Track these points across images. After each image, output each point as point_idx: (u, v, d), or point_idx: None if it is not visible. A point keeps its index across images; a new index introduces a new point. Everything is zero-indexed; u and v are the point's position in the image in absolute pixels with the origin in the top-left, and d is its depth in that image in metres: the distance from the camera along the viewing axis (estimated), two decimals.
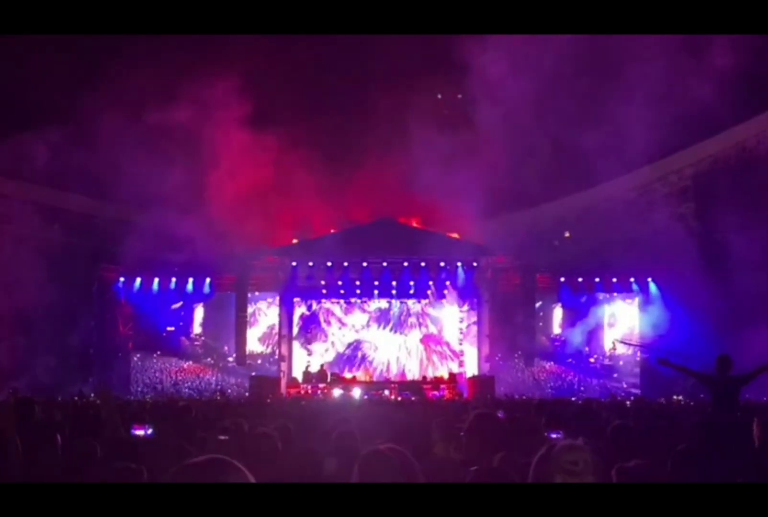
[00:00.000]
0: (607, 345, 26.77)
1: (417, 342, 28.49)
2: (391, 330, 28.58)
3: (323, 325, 28.72)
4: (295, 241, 27.91)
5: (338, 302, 28.53)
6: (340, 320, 28.79)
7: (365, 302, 28.40)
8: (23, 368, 21.38)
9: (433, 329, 28.56)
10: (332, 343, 28.57)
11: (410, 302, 28.45)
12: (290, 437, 5.45)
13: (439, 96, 25.60)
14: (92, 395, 21.21)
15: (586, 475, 2.60)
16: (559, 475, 2.57)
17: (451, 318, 28.35)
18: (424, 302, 28.26)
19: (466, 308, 28.23)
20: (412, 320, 28.61)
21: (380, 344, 28.48)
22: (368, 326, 28.66)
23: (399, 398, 22.02)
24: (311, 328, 28.49)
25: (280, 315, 27.93)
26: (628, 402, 17.85)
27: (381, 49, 21.24)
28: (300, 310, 28.64)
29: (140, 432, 6.42)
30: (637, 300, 26.65)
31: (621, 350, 26.28)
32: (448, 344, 28.31)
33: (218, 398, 20.97)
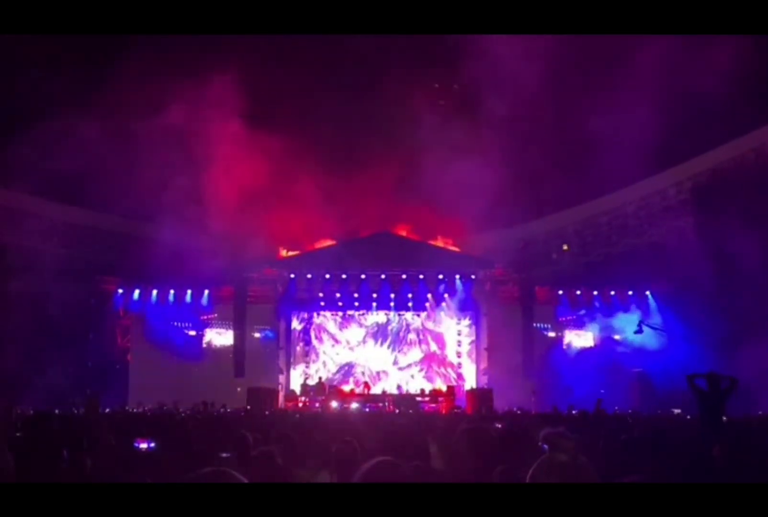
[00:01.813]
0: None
1: (416, 371, 27.62)
2: (389, 347, 27.88)
3: (314, 342, 28.00)
4: (292, 253, 27.87)
5: (335, 315, 27.97)
6: (333, 337, 28.05)
7: (363, 315, 27.92)
8: (22, 381, 21.28)
9: (434, 348, 27.95)
10: (324, 363, 27.80)
11: (409, 316, 27.95)
12: (294, 447, 5.45)
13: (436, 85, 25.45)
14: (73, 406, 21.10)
15: (572, 451, 2.69)
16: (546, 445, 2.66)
17: (453, 333, 28.03)
18: (423, 315, 27.87)
19: (467, 322, 28.02)
20: (412, 336, 27.97)
21: (375, 368, 27.55)
22: (364, 342, 27.92)
23: (397, 411, 21.95)
24: (302, 345, 27.95)
25: (278, 327, 27.78)
26: (629, 417, 17.78)
27: (382, 44, 21.17)
28: (292, 324, 28.05)
29: (143, 445, 6.43)
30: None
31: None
32: (452, 366, 27.78)
33: (202, 409, 20.55)
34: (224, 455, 5.48)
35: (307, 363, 27.77)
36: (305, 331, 28.09)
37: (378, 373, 27.53)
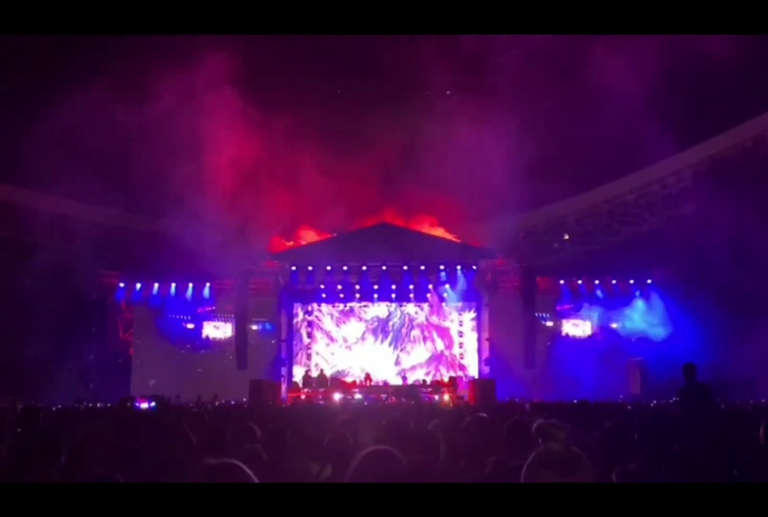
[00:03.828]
0: None
1: (422, 374, 26.37)
2: (390, 344, 27.03)
3: (306, 341, 27.14)
4: (294, 245, 27.86)
5: (335, 307, 27.39)
6: (328, 334, 27.10)
7: (363, 307, 27.36)
8: (24, 375, 21.34)
9: (441, 347, 27.12)
10: (316, 365, 26.75)
11: (411, 309, 27.37)
12: (284, 442, 5.42)
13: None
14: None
15: (565, 441, 2.70)
16: (540, 438, 2.69)
17: (457, 325, 27.53)
18: (426, 308, 27.38)
19: (471, 315, 27.73)
20: (416, 332, 27.06)
21: (375, 373, 25.83)
22: (363, 339, 27.00)
23: (399, 402, 21.93)
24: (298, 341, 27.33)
25: (279, 319, 27.69)
26: (629, 405, 17.78)
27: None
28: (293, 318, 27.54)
29: (144, 405, 6.49)
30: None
31: None
32: (463, 368, 27.02)
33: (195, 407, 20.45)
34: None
35: (308, 355, 27.62)
36: (300, 327, 27.54)
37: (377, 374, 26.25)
